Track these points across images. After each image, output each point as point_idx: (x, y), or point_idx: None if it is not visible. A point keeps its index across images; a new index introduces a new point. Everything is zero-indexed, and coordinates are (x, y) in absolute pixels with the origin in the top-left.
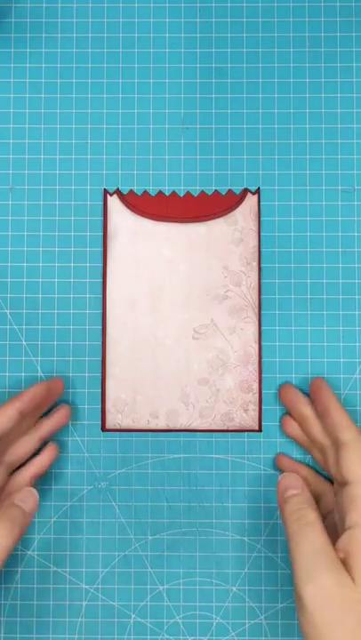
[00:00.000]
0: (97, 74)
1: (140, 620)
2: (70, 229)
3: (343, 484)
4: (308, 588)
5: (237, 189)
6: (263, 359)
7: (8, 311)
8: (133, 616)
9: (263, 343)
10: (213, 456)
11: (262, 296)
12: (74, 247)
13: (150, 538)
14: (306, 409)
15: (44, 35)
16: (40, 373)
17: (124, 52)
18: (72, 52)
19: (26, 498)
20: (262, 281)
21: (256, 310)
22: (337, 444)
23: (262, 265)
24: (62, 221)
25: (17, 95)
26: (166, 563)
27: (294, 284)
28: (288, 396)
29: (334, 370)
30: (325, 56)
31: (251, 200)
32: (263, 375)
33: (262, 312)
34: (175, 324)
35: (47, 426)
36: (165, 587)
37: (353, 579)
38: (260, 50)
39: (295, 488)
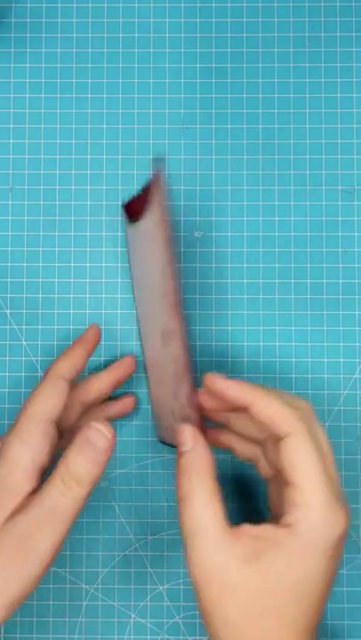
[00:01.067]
0: (97, 74)
1: (140, 619)
2: (70, 230)
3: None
4: (194, 570)
5: None
6: (263, 359)
7: (8, 311)
8: (133, 616)
9: (263, 343)
10: (213, 456)
11: (263, 296)
12: (74, 247)
13: (150, 538)
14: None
15: (44, 35)
16: (40, 373)
17: (124, 51)
18: (72, 52)
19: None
20: (263, 281)
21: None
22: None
23: (262, 265)
24: (62, 221)
25: (17, 95)
26: (166, 563)
27: (294, 284)
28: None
29: (334, 370)
30: (325, 56)
31: None
32: (263, 375)
33: (262, 312)
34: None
35: (115, 367)
36: (165, 587)
37: (255, 569)
38: (261, 50)
39: (185, 444)
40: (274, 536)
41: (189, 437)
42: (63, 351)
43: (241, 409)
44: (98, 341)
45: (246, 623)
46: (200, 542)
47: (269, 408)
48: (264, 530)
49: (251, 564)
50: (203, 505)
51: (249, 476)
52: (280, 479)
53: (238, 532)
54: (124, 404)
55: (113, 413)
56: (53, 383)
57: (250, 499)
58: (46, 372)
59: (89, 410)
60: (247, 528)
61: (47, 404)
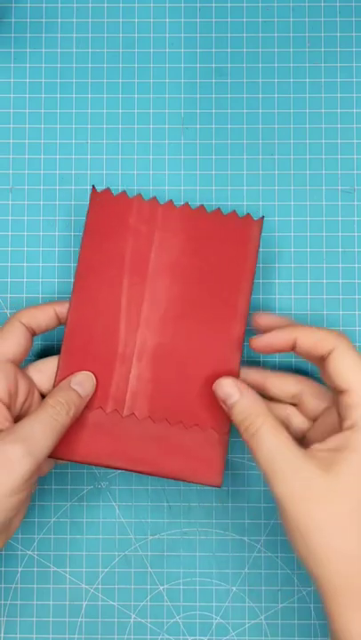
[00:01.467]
0: (97, 74)
1: (140, 619)
2: (70, 229)
3: (339, 392)
4: (279, 490)
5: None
6: (263, 359)
7: (8, 311)
8: (133, 616)
9: None
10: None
11: (262, 295)
12: (73, 247)
13: (150, 538)
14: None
15: (44, 35)
16: None
17: (124, 51)
18: (72, 52)
19: (83, 381)
20: (262, 281)
21: None
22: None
23: (262, 265)
24: (62, 221)
25: (17, 95)
26: (166, 563)
27: (294, 285)
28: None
29: None
30: (325, 56)
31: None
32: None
33: (262, 311)
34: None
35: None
36: (165, 587)
37: (336, 473)
38: (261, 50)
39: (232, 395)
40: (342, 441)
41: (234, 387)
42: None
43: (286, 347)
44: None
45: (336, 527)
46: (280, 466)
47: (312, 333)
48: (331, 441)
49: (330, 471)
50: (273, 436)
51: (248, 476)
52: (333, 402)
53: (310, 451)
54: None
55: (63, 309)
56: (11, 325)
57: (249, 498)
58: (10, 316)
59: None
60: (317, 445)
61: (3, 345)
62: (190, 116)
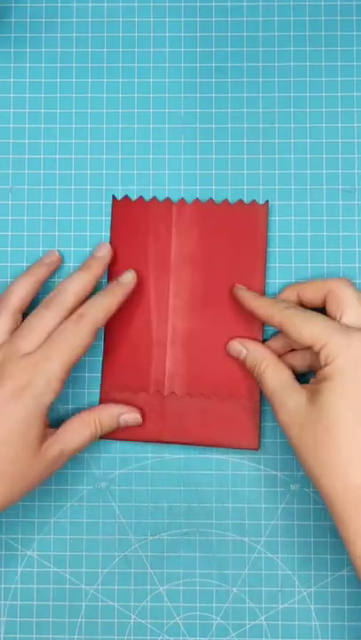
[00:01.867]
0: (97, 73)
1: (140, 620)
2: (70, 230)
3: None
4: (279, 417)
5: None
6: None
7: None
8: (133, 617)
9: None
10: (213, 456)
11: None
12: (73, 247)
13: (150, 538)
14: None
15: (43, 34)
16: None
17: (124, 51)
18: (72, 52)
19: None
20: (265, 280)
21: None
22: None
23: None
24: (62, 221)
25: (17, 95)
26: (166, 563)
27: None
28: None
29: None
30: (326, 55)
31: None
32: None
33: None
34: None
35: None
36: (165, 587)
37: (316, 399)
38: (261, 49)
39: (241, 351)
40: (322, 374)
41: (240, 345)
42: (18, 279)
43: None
44: (54, 267)
45: (319, 444)
46: (279, 397)
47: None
48: (319, 373)
49: (315, 401)
50: (274, 373)
51: (248, 476)
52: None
53: (304, 386)
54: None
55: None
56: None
57: (250, 499)
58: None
59: None
60: (311, 379)
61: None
62: (190, 115)
